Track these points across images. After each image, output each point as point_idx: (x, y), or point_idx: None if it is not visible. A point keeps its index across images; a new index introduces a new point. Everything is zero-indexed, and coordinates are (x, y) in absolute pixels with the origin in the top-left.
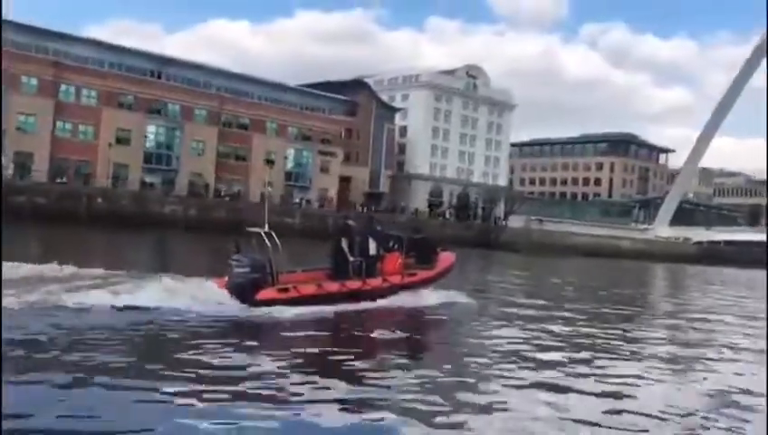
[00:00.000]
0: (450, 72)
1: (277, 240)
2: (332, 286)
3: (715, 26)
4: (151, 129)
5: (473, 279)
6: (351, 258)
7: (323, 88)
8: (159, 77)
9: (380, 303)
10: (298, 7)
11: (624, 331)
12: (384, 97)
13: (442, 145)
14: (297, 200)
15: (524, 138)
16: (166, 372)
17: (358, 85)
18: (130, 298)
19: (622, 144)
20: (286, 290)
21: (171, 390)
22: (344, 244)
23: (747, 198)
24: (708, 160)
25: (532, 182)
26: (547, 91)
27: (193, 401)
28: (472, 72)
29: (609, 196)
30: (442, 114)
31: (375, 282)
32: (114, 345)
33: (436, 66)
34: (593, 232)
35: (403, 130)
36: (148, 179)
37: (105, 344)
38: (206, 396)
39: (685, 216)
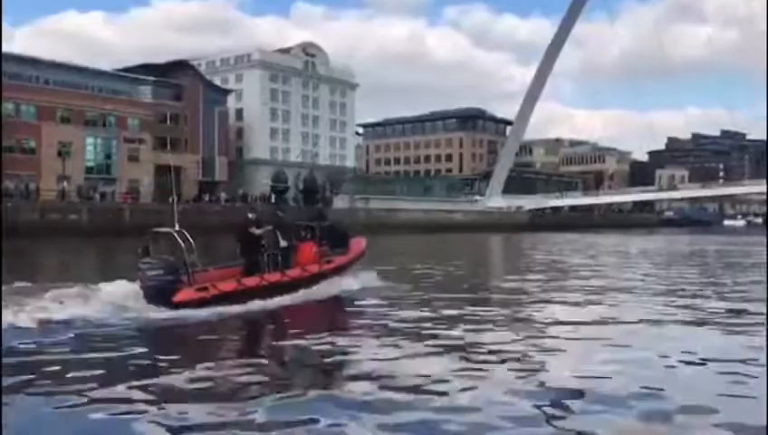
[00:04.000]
0: (286, 51)
1: (190, 239)
2: (252, 281)
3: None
4: None
5: None
6: (263, 251)
7: (144, 71)
8: None
9: (302, 293)
10: None
11: None
12: (217, 79)
13: (282, 127)
14: (91, 194)
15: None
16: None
17: (182, 67)
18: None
19: (470, 120)
20: (205, 289)
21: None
22: (246, 236)
23: (592, 164)
24: (561, 132)
25: (387, 162)
26: (415, 73)
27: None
28: (309, 51)
29: (460, 171)
30: (280, 95)
31: (294, 273)
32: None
33: (271, 45)
34: (424, 207)
35: (239, 114)
36: None
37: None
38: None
39: (527, 185)
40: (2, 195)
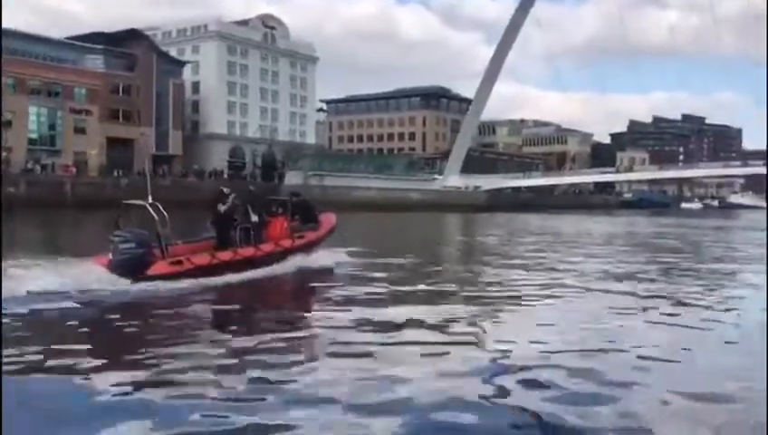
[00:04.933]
0: (244, 23)
1: (164, 211)
2: (226, 255)
3: None
4: None
5: None
6: (236, 225)
7: (94, 40)
8: None
9: (275, 268)
10: None
11: None
12: (173, 50)
13: (240, 101)
14: (30, 166)
15: None
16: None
17: (135, 37)
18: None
19: (434, 98)
20: (179, 263)
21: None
22: (220, 211)
23: (555, 145)
24: (528, 114)
25: (350, 140)
26: (384, 51)
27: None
28: (269, 23)
29: (424, 150)
30: (238, 68)
31: (267, 247)
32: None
33: (229, 16)
34: (381, 185)
35: (196, 87)
36: None
37: None
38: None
39: (488, 165)
40: (1, 174)
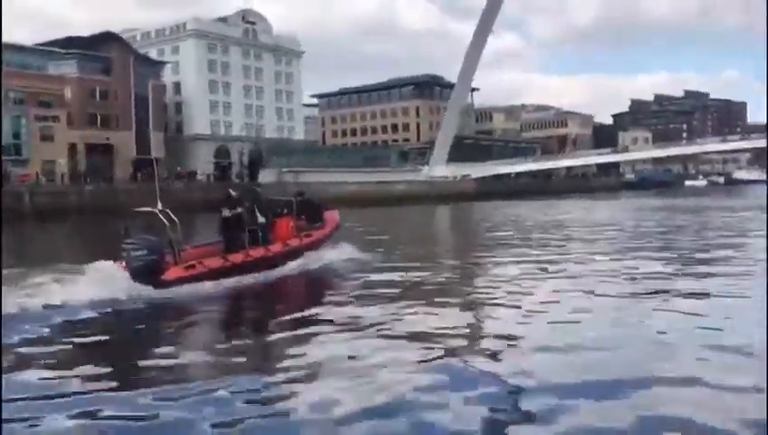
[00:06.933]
0: (223, 20)
1: (174, 217)
2: (237, 258)
3: None
4: None
5: None
6: (244, 227)
7: (70, 44)
8: None
9: (286, 268)
10: None
11: None
12: (153, 51)
13: (224, 100)
14: None
15: None
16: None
17: (109, 39)
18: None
19: (426, 87)
20: (193, 267)
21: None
22: (227, 213)
23: (554, 129)
24: (530, 99)
25: (344, 134)
26: (384, 43)
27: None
28: (249, 18)
29: (418, 140)
30: (219, 66)
31: (276, 248)
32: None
33: (211, 13)
34: (363, 179)
35: (178, 88)
36: None
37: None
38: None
39: (483, 152)
40: (1, 185)
